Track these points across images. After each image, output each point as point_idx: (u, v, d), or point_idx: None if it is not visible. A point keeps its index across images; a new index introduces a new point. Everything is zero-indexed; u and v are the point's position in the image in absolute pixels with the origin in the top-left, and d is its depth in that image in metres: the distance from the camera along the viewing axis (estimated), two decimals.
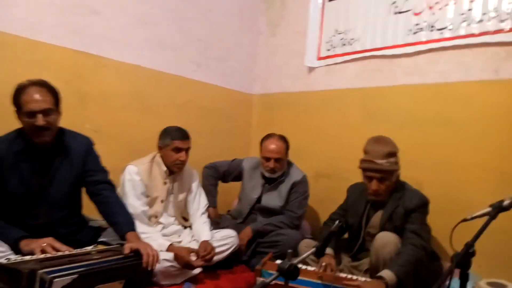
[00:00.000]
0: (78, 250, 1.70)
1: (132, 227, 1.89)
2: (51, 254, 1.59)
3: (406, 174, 2.19)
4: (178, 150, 2.27)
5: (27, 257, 1.51)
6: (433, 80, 2.50)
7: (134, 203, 2.19)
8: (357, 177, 2.19)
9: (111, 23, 2.70)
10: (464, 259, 1.34)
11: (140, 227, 2.10)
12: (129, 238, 1.79)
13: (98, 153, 2.06)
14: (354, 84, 2.94)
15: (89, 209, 2.08)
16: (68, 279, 1.39)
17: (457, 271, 1.42)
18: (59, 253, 1.61)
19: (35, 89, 1.73)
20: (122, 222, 1.89)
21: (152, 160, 2.34)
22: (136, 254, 1.71)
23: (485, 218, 1.42)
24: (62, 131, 1.92)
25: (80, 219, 2.06)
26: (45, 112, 1.72)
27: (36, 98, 1.71)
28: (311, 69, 3.25)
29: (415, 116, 2.57)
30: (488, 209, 1.44)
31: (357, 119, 2.90)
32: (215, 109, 3.37)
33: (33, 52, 2.36)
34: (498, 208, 1.43)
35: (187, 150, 2.32)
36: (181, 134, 2.29)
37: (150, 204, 2.30)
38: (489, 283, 1.78)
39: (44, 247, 1.62)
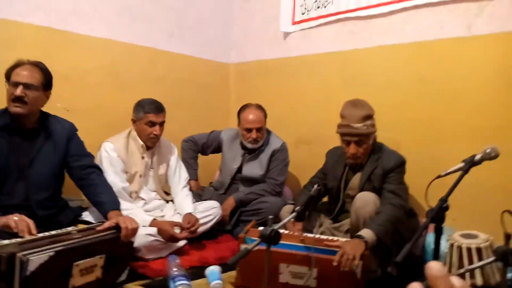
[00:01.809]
0: (59, 231, 1.68)
1: (116, 206, 1.88)
2: (30, 235, 1.57)
3: (384, 135, 2.22)
4: (151, 124, 2.24)
5: (5, 241, 1.49)
6: (408, 39, 2.49)
7: (113, 180, 2.16)
8: (337, 141, 2.21)
9: None
10: (438, 214, 1.39)
11: (121, 203, 2.10)
12: (112, 216, 1.79)
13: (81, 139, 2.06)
14: (331, 48, 2.91)
15: (67, 188, 2.07)
16: (44, 256, 1.38)
17: (432, 226, 1.47)
18: (40, 235, 1.59)
19: (28, 66, 1.83)
20: (106, 201, 1.88)
21: (128, 135, 2.31)
22: (116, 228, 1.71)
23: (459, 173, 1.47)
24: (45, 115, 1.94)
25: (61, 201, 2.04)
26: (27, 86, 1.78)
27: (24, 73, 1.80)
28: (286, 34, 3.19)
29: (392, 76, 2.57)
30: (461, 165, 1.48)
31: (335, 83, 2.89)
32: (191, 80, 3.31)
33: None
34: (470, 163, 1.47)
35: (161, 123, 2.28)
36: (154, 108, 2.24)
37: (130, 180, 2.28)
38: (462, 235, 1.85)
39: (17, 222, 1.57)
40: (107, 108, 2.75)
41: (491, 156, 1.45)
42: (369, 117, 2.04)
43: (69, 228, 1.71)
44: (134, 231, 1.74)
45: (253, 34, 3.47)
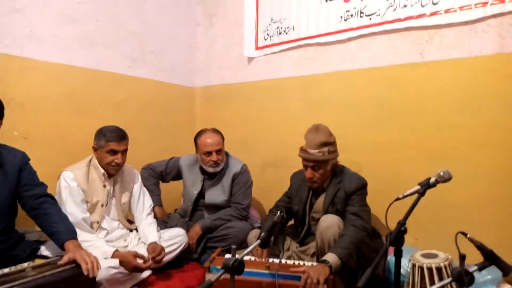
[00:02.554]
0: (12, 268, 1.59)
1: (72, 236, 1.81)
2: None
3: (346, 158, 2.28)
4: (113, 152, 2.18)
5: None
6: (365, 65, 2.60)
7: (73, 211, 2.09)
8: (301, 164, 2.24)
9: (34, 21, 2.52)
10: (396, 237, 1.43)
11: (82, 235, 2.03)
12: (69, 247, 1.72)
13: (33, 166, 1.98)
14: (293, 73, 2.98)
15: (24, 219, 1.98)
16: None
17: (393, 248, 1.51)
18: None
19: None
20: (61, 230, 1.81)
21: (89, 163, 2.24)
22: (75, 263, 1.65)
23: (416, 196, 1.53)
24: None
25: (16, 234, 1.95)
26: None
27: None
28: (250, 59, 3.24)
29: (351, 101, 2.66)
30: (417, 187, 1.54)
31: (298, 107, 2.95)
32: (155, 105, 3.28)
33: None
34: (426, 186, 1.53)
35: (123, 152, 2.23)
36: (116, 136, 2.19)
37: (91, 210, 2.20)
38: (423, 255, 1.91)
39: None
40: (67, 135, 2.67)
41: (444, 179, 1.52)
42: (327, 144, 2.08)
43: (24, 264, 1.64)
44: (96, 265, 1.68)
45: (217, 58, 3.51)
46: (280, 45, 3.01)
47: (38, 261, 1.72)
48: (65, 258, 1.64)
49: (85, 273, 1.63)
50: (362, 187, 2.14)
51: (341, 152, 2.21)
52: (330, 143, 2.09)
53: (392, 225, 1.45)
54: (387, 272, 2.06)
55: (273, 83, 3.09)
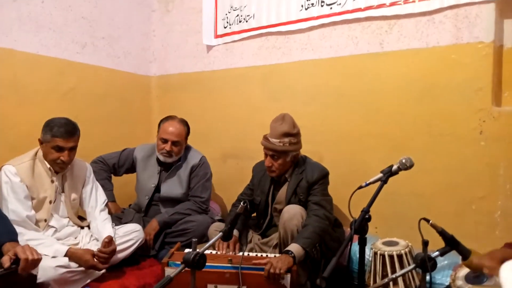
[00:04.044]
0: None
1: (12, 237, 1.66)
2: None
3: (307, 148, 2.25)
4: (59, 148, 1.99)
5: None
6: (326, 54, 2.58)
7: (16, 209, 1.92)
8: (263, 155, 2.19)
9: None
10: (361, 225, 1.41)
11: (27, 234, 1.89)
12: (8, 249, 1.57)
13: None
14: (254, 62, 2.91)
15: None
16: None
17: (356, 237, 1.50)
18: None
19: None
20: (0, 232, 1.64)
21: (34, 156, 2.05)
22: (16, 261, 1.50)
23: (379, 184, 1.52)
24: None
25: None
26: None
27: None
28: (209, 47, 3.14)
29: (313, 90, 2.64)
30: (380, 175, 1.53)
31: (259, 97, 2.89)
32: (107, 94, 3.09)
33: None
34: (388, 173, 1.53)
35: (71, 149, 2.03)
36: (64, 131, 1.98)
37: (37, 207, 2.02)
38: (384, 243, 1.92)
39: None
40: (8, 125, 2.44)
41: (406, 166, 1.53)
42: (289, 135, 2.05)
43: None
44: (35, 262, 1.54)
45: (175, 46, 3.37)
46: (240, 34, 2.93)
47: None
48: (6, 258, 1.48)
49: (21, 272, 1.49)
50: (323, 176, 2.13)
51: (303, 142, 2.18)
52: (292, 134, 2.06)
53: (355, 215, 1.43)
54: (349, 261, 2.07)
55: (234, 72, 3.01)
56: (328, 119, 2.58)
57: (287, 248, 1.80)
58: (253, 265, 1.75)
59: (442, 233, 1.37)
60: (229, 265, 1.75)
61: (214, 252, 1.98)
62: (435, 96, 2.20)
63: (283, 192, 2.16)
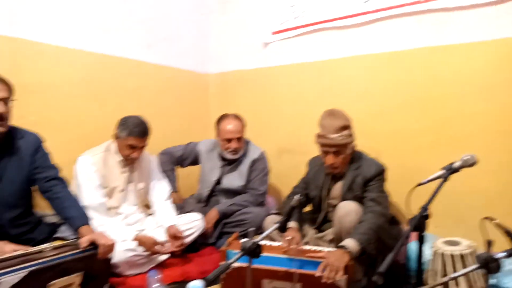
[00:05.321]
0: (32, 249, 1.62)
1: (85, 221, 1.83)
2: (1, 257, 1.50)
3: (363, 144, 2.23)
4: (132, 147, 2.17)
5: None
6: (383, 49, 2.53)
7: (90, 196, 2.11)
8: (318, 150, 2.20)
9: (46, 5, 2.51)
10: (419, 222, 1.39)
11: (99, 219, 2.06)
12: (83, 232, 1.74)
13: (47, 151, 1.97)
14: (308, 58, 2.93)
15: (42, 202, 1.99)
16: (16, 277, 1.33)
17: (415, 234, 1.48)
18: (11, 255, 1.52)
19: None
20: (75, 216, 1.82)
21: (107, 149, 2.25)
22: (93, 245, 1.67)
23: (439, 181, 1.48)
24: (9, 130, 1.82)
25: (34, 217, 1.97)
26: (4, 100, 1.71)
27: None
28: (265, 44, 3.20)
29: (369, 86, 2.61)
30: (441, 172, 1.50)
31: (313, 92, 2.91)
32: (169, 91, 3.26)
33: None
34: (449, 170, 1.49)
35: (142, 147, 2.22)
36: (138, 131, 2.16)
37: (109, 194, 2.21)
38: (445, 242, 1.86)
39: None
40: (82, 121, 2.67)
41: (469, 163, 1.48)
42: (345, 127, 2.04)
43: (43, 246, 1.65)
44: (111, 247, 1.69)
45: (231, 44, 3.47)
46: (296, 30, 2.95)
47: (56, 243, 1.74)
48: (84, 240, 1.65)
49: (100, 256, 1.66)
50: (380, 173, 2.10)
51: (359, 138, 2.16)
52: (348, 126, 2.05)
53: (412, 213, 1.41)
54: (407, 259, 2.03)
55: (289, 68, 3.04)
56: (385, 115, 2.53)
57: (343, 243, 1.80)
58: (308, 258, 1.77)
59: (509, 233, 1.31)
60: (284, 256, 1.79)
61: (270, 243, 2.02)
62: (499, 91, 2.08)
63: (338, 187, 2.16)
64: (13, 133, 1.85)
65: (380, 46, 2.55)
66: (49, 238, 1.89)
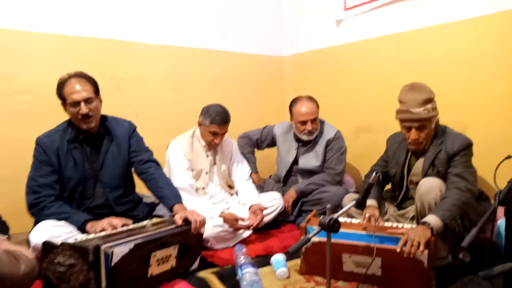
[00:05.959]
0: (135, 225, 1.85)
1: (178, 200, 2.00)
2: (111, 231, 1.75)
3: (447, 118, 2.11)
4: (214, 133, 2.34)
5: (91, 236, 1.68)
6: (466, 15, 2.34)
7: (180, 178, 2.32)
8: (397, 127, 2.14)
9: (134, 6, 2.77)
10: (507, 196, 1.32)
11: (189, 198, 2.25)
12: (177, 210, 1.92)
13: (140, 135, 2.19)
14: (385, 31, 2.82)
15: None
16: (126, 249, 1.54)
17: (503, 210, 1.40)
18: (119, 230, 1.76)
19: (74, 80, 1.88)
20: (169, 196, 2.01)
21: (192, 135, 2.45)
22: (186, 221, 1.85)
23: None
24: (104, 118, 2.06)
25: (134, 196, 2.22)
26: (87, 101, 1.88)
27: (77, 89, 1.86)
28: (338, 22, 3.15)
29: (454, 56, 2.44)
30: None
31: (392, 67, 2.80)
32: (246, 77, 3.40)
33: (64, 47, 2.51)
34: None
35: (223, 134, 2.38)
36: (220, 120, 2.31)
37: (196, 176, 2.42)
38: None
39: (104, 226, 1.78)
40: (168, 110, 2.93)
41: None
42: (429, 100, 1.95)
43: (144, 222, 1.87)
44: (203, 223, 1.86)
45: (305, 25, 3.47)
46: (370, 3, 2.86)
47: (155, 220, 1.96)
48: (178, 217, 1.85)
49: (193, 231, 1.83)
50: (466, 147, 1.97)
51: (444, 112, 2.04)
52: (432, 99, 1.96)
53: (500, 188, 1.34)
54: (496, 236, 1.92)
55: (364, 44, 2.97)
56: (472, 87, 2.36)
57: (424, 220, 1.76)
58: (388, 235, 1.77)
59: None
60: (363, 233, 1.81)
61: (350, 220, 2.05)
62: None
63: (419, 164, 2.09)
64: (108, 121, 2.08)
65: (462, 12, 2.36)
66: (148, 215, 2.13)
